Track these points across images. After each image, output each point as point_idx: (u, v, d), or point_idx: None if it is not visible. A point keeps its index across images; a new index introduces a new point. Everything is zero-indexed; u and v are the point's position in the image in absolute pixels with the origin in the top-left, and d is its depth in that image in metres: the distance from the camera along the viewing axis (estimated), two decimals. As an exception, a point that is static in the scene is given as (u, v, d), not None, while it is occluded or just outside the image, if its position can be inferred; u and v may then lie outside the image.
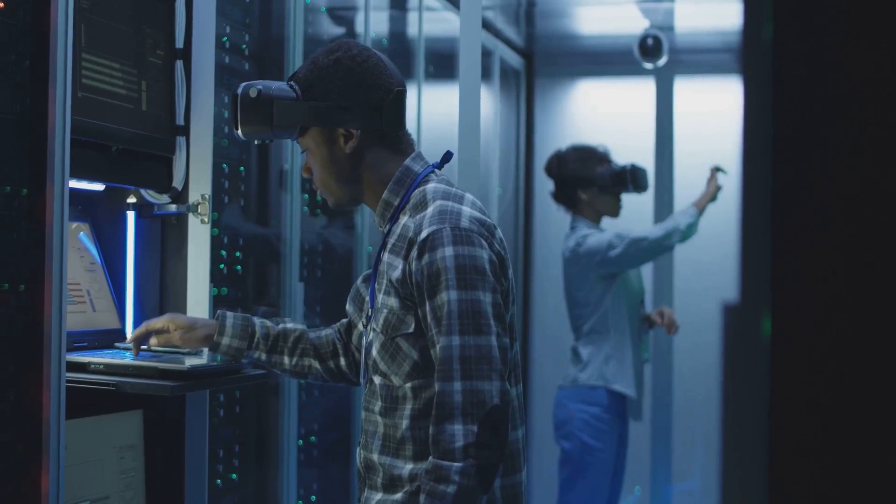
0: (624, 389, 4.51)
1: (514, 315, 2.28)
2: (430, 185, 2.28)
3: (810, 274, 1.14)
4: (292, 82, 2.33)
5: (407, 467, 2.22)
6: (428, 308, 2.16)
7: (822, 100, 1.13)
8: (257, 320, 2.56)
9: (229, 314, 2.54)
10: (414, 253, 2.17)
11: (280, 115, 2.29)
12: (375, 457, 2.28)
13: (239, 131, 2.33)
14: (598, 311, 4.56)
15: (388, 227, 2.32)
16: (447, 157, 2.40)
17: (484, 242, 2.17)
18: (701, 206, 4.63)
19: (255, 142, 2.40)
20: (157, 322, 2.55)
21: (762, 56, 1.17)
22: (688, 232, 4.57)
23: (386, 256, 2.26)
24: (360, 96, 2.28)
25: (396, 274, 2.21)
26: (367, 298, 2.36)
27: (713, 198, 4.70)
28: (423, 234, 2.17)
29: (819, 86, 1.13)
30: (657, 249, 4.60)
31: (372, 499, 2.28)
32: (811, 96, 1.14)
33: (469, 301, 2.12)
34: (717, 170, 4.80)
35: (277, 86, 2.32)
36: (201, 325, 2.55)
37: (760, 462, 1.13)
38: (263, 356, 2.54)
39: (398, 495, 2.22)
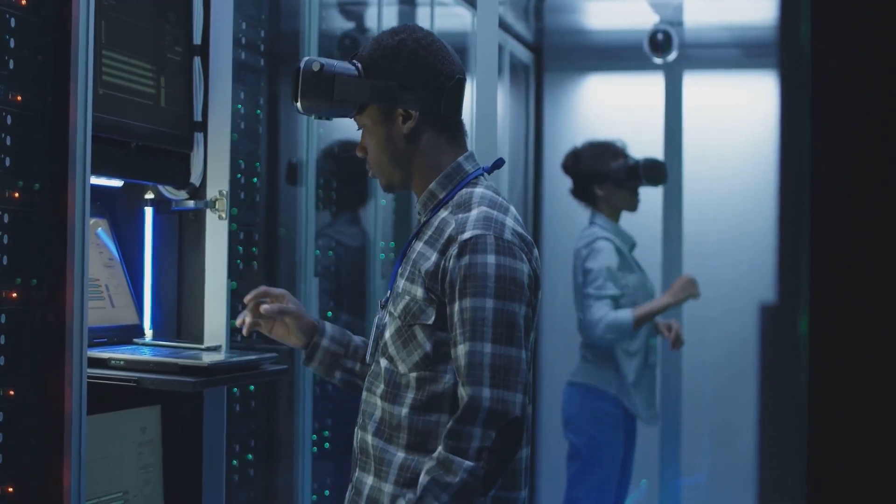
0: (630, 407, 4.55)
1: (534, 337, 2.30)
2: (478, 190, 2.28)
3: (848, 273, 1.14)
4: (355, 60, 2.34)
5: (399, 455, 2.23)
6: (457, 308, 2.16)
7: (860, 98, 1.14)
8: (350, 333, 2.56)
9: (323, 321, 2.54)
10: (453, 251, 2.18)
11: (340, 90, 2.30)
12: (370, 438, 2.29)
13: (298, 104, 2.34)
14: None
15: (427, 217, 2.32)
16: (498, 163, 2.42)
17: (524, 257, 2.18)
18: (640, 318, 4.51)
19: (313, 117, 2.41)
20: (277, 291, 2.52)
21: (799, 54, 1.17)
22: (614, 340, 4.53)
23: (419, 246, 2.27)
24: (422, 78, 2.29)
25: (428, 266, 2.22)
26: (389, 281, 2.38)
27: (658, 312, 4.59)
28: (467, 235, 2.17)
29: (857, 84, 1.14)
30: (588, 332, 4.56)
31: (364, 482, 2.29)
32: (849, 95, 1.14)
33: (505, 312, 2.13)
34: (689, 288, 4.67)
35: (340, 62, 2.34)
36: (307, 317, 2.53)
37: (797, 458, 1.14)
38: (357, 367, 2.53)
39: (389, 486, 2.23)
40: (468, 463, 2.09)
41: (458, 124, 2.37)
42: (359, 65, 2.33)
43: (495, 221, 2.19)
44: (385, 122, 2.32)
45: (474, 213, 2.21)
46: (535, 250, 2.26)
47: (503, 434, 2.10)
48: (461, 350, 2.15)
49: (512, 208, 2.28)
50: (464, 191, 2.29)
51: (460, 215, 2.22)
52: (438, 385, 2.21)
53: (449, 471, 2.10)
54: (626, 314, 4.48)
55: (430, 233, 2.26)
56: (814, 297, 1.15)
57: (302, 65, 2.32)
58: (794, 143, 1.20)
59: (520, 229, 2.23)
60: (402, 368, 2.25)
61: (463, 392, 2.14)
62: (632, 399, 4.57)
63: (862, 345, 1.15)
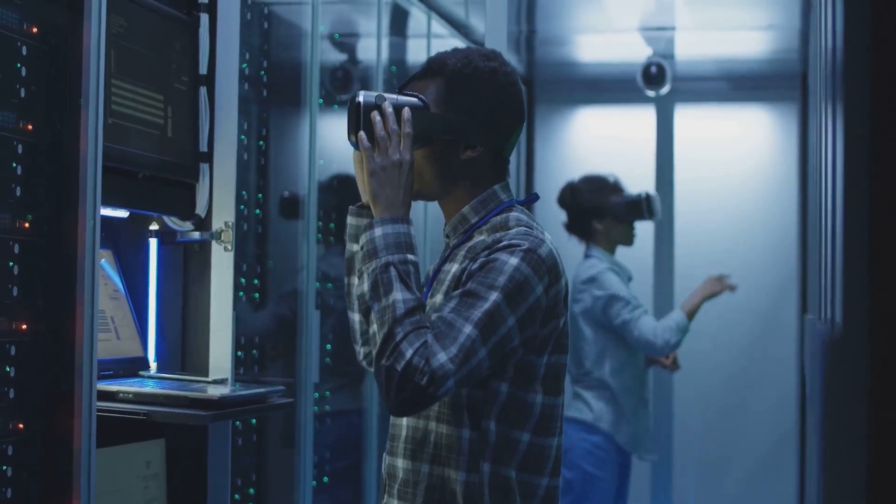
0: (624, 444, 4.53)
1: (566, 364, 2.24)
2: (514, 214, 2.23)
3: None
4: (415, 95, 2.24)
5: (459, 476, 2.15)
6: (459, 290, 2.08)
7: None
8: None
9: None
10: (484, 253, 2.12)
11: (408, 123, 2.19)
12: (399, 462, 2.21)
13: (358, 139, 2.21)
14: (597, 353, 4.57)
15: (457, 240, 2.26)
16: (532, 198, 2.38)
17: (547, 279, 2.12)
18: (690, 312, 4.58)
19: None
20: None
21: (863, 84, 1.16)
22: (679, 342, 4.57)
23: (453, 268, 2.20)
24: (499, 116, 2.24)
25: (455, 271, 2.17)
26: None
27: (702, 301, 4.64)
28: (504, 242, 2.11)
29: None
30: (648, 349, 4.58)
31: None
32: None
33: (499, 313, 2.05)
34: (722, 282, 4.70)
35: (394, 95, 2.22)
36: None
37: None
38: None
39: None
40: (390, 360, 2.00)
41: (507, 161, 2.32)
42: (422, 97, 2.23)
43: (535, 238, 2.14)
44: (445, 144, 2.24)
45: (514, 231, 2.16)
46: (563, 282, 2.18)
47: (407, 387, 1.99)
48: (445, 311, 2.06)
49: (548, 235, 2.21)
50: (499, 217, 2.23)
51: (499, 234, 2.17)
52: (495, 395, 2.14)
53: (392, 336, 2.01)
54: (677, 315, 4.55)
55: (462, 253, 2.20)
56: (877, 331, 1.14)
57: (361, 98, 2.21)
58: (856, 174, 1.20)
59: (554, 255, 2.17)
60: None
61: (429, 335, 2.03)
62: (625, 434, 4.55)
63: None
